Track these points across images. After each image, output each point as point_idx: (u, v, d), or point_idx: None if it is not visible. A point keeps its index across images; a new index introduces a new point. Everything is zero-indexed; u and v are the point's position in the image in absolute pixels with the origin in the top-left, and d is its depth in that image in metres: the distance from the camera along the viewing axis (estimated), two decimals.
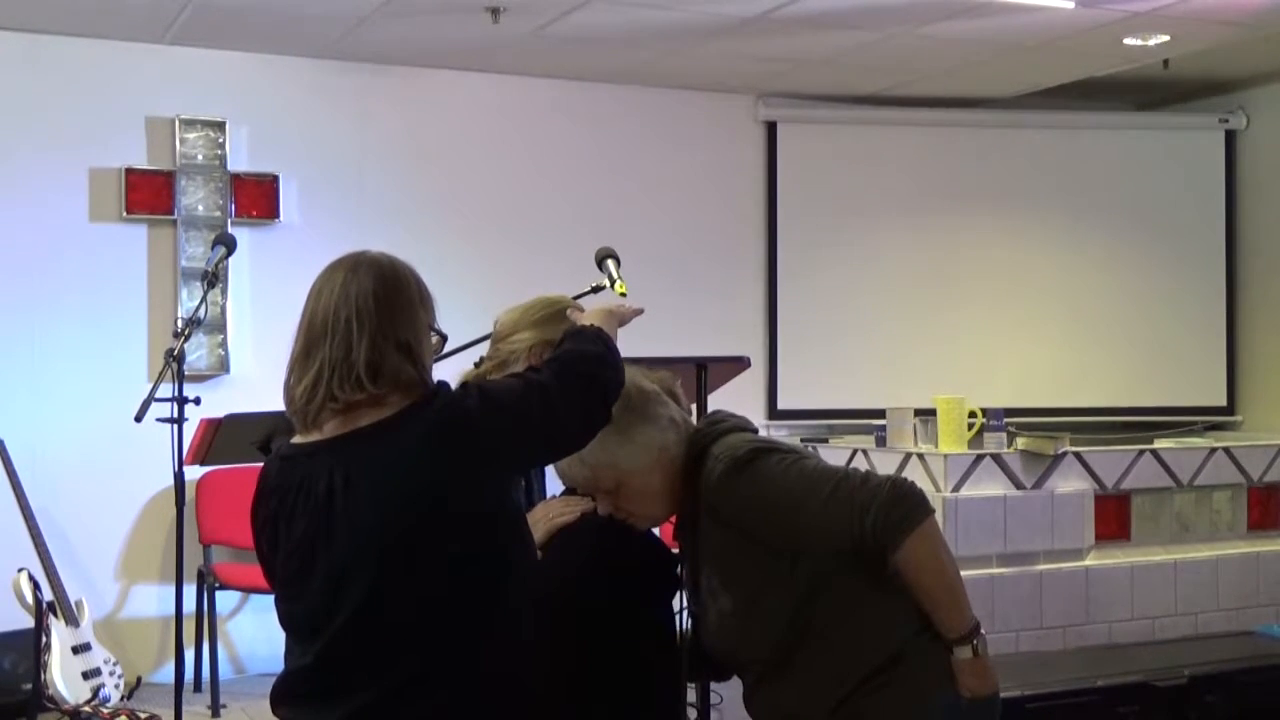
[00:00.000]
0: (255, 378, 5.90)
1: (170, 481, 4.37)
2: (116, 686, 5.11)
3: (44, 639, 4.92)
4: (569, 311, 2.56)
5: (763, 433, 7.05)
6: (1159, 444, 5.73)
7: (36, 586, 4.95)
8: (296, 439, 2.16)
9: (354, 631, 2.04)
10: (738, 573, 2.41)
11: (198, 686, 5.53)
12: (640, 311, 2.54)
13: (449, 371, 2.47)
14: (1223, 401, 7.17)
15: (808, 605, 2.37)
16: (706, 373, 4.37)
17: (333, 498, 2.05)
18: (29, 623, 4.97)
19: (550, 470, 2.44)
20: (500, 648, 2.09)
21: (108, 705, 4.95)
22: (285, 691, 2.14)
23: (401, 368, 2.09)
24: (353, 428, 2.08)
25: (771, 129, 6.98)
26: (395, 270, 2.17)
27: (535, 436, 2.15)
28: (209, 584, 5.55)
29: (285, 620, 2.16)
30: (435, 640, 2.04)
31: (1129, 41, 5.91)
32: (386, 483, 2.03)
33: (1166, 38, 5.85)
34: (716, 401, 4.47)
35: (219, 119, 5.97)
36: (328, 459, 2.07)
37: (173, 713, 4.53)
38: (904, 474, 5.20)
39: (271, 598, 2.18)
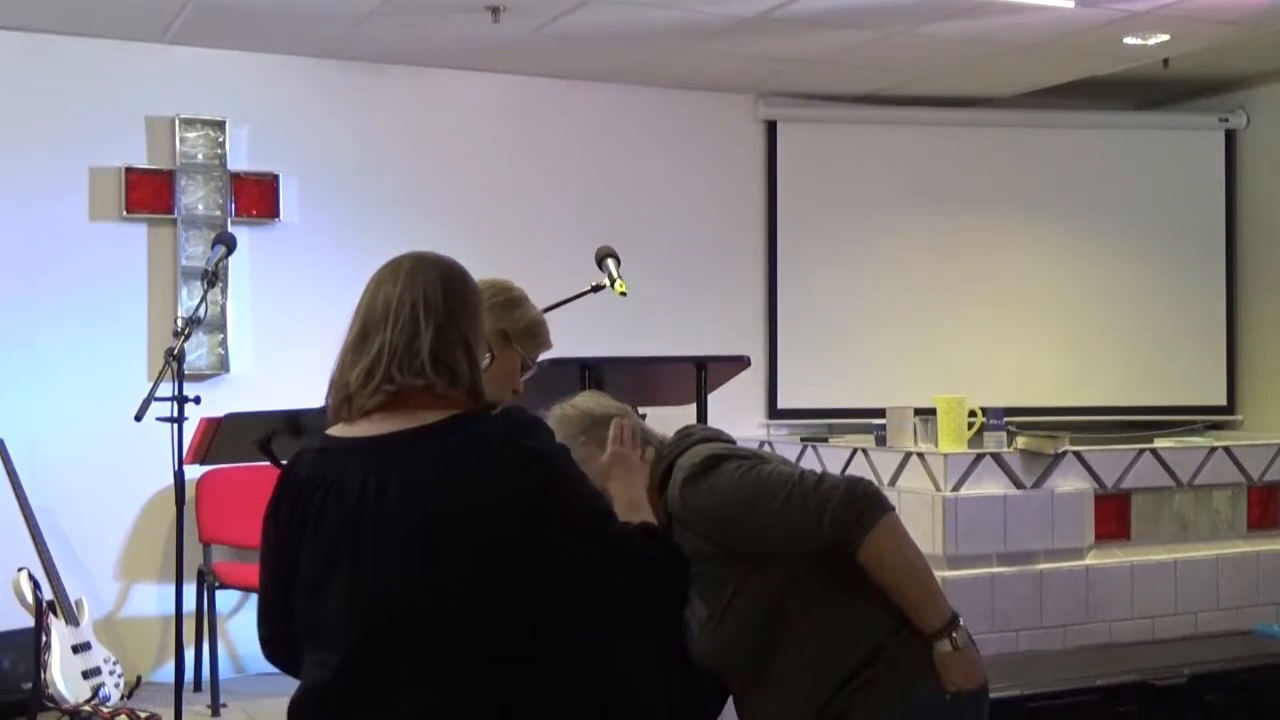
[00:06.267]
0: (255, 377, 5.91)
1: (170, 481, 4.38)
2: (116, 686, 5.11)
3: (44, 638, 4.92)
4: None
5: (762, 433, 7.07)
6: (1159, 443, 5.73)
7: (36, 586, 4.95)
8: (335, 431, 2.08)
9: (373, 649, 1.96)
10: (709, 581, 2.41)
11: (198, 686, 5.53)
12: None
13: None
14: (1223, 401, 7.17)
15: (779, 609, 2.38)
16: (706, 372, 4.39)
17: (364, 504, 1.98)
18: (29, 622, 4.97)
19: None
20: (531, 674, 1.98)
21: (108, 704, 4.95)
22: (304, 707, 2.05)
23: (460, 364, 2.03)
24: (396, 429, 2.00)
25: (771, 128, 6.98)
26: (462, 270, 2.14)
27: (608, 567, 2.02)
28: (209, 583, 5.55)
29: (304, 621, 2.06)
30: (461, 663, 1.95)
31: (1129, 41, 5.91)
32: (420, 497, 1.96)
33: (1166, 37, 5.85)
34: (716, 401, 4.49)
35: (219, 118, 5.97)
36: (364, 461, 2.00)
37: (173, 712, 4.54)
38: (904, 473, 5.24)
39: None
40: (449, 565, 1.94)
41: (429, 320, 2.03)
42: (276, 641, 2.14)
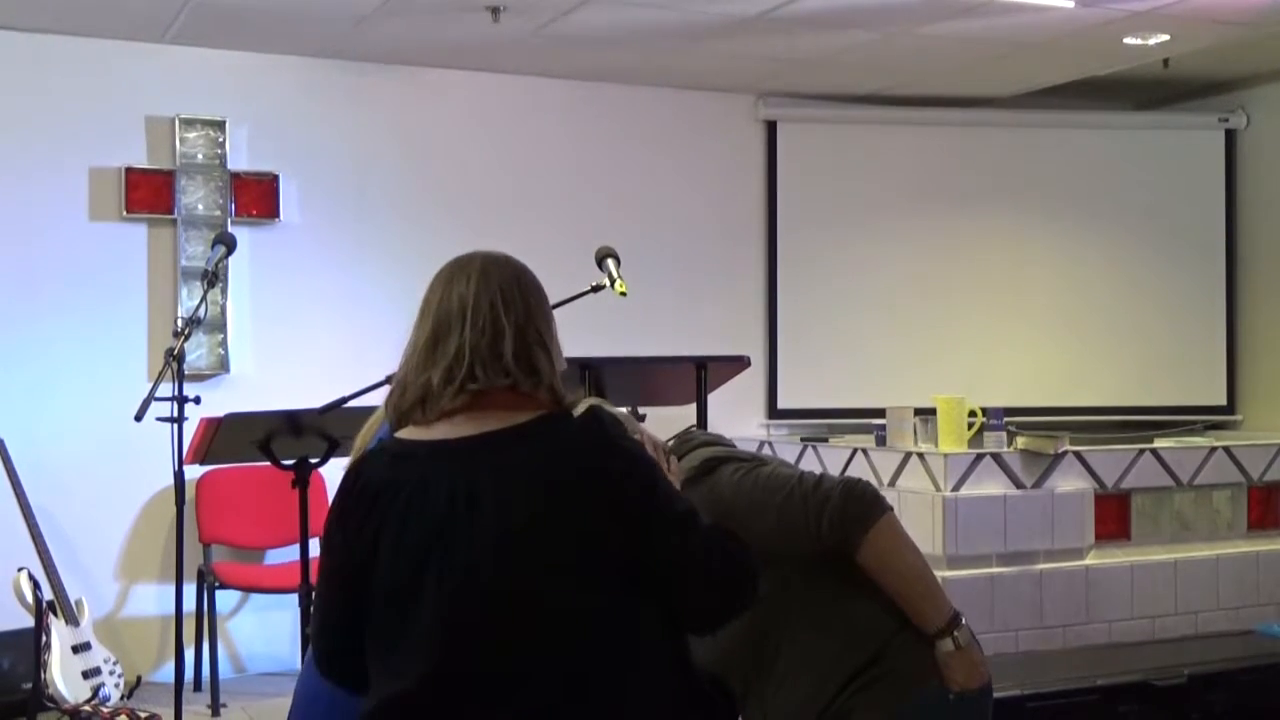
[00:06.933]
0: (255, 377, 5.91)
1: (170, 481, 4.39)
2: (116, 686, 5.11)
3: (44, 638, 4.92)
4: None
5: (762, 433, 7.07)
6: (1159, 443, 5.73)
7: (36, 586, 4.95)
8: (408, 434, 2.00)
9: (466, 655, 1.89)
10: None
11: (198, 686, 5.53)
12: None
13: None
14: (1223, 401, 7.16)
15: (781, 610, 2.38)
16: (706, 372, 4.40)
17: (455, 508, 1.90)
18: (29, 622, 4.97)
19: None
20: (626, 671, 1.93)
21: (108, 704, 4.95)
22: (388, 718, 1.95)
23: (542, 363, 1.99)
24: (482, 430, 1.94)
25: (771, 128, 6.98)
26: (529, 270, 2.08)
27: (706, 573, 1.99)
28: (209, 583, 5.55)
29: (381, 632, 1.96)
30: (560, 666, 1.89)
31: (1129, 41, 5.91)
32: (516, 499, 1.90)
33: (1166, 37, 5.85)
34: (716, 401, 4.49)
35: (219, 118, 5.97)
36: (451, 463, 1.93)
37: (173, 712, 4.54)
38: (904, 473, 5.24)
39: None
40: (547, 566, 1.89)
41: (510, 319, 1.98)
42: (339, 657, 2.05)
